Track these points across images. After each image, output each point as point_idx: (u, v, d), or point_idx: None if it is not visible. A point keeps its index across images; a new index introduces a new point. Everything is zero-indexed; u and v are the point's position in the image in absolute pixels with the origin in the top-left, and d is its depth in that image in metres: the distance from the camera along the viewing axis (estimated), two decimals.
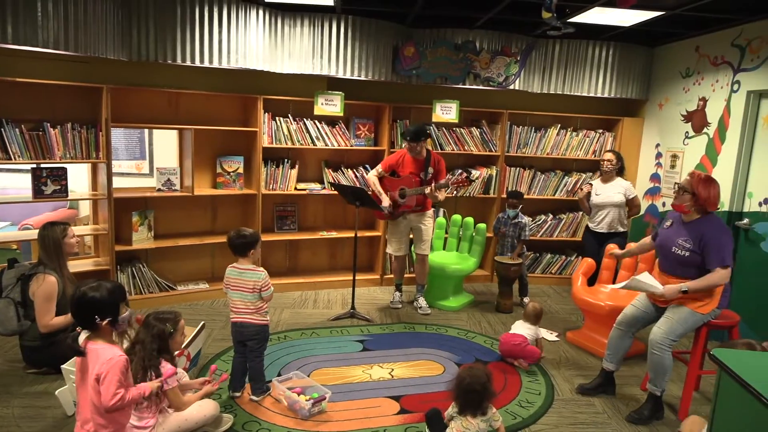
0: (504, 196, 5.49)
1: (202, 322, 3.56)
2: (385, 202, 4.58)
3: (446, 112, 5.24)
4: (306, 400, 3.02)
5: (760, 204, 4.26)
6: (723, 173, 4.52)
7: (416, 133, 4.49)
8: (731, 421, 1.28)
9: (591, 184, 4.87)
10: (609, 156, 4.76)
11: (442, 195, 4.64)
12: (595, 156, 5.76)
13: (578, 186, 5.63)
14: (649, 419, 3.16)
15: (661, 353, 3.08)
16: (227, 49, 4.43)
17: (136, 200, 4.64)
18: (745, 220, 4.34)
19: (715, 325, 3.20)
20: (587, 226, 4.97)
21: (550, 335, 4.36)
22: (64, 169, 4.17)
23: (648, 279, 3.19)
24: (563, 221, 5.82)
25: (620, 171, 4.80)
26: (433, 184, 4.53)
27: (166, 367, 2.71)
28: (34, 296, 3.26)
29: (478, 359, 3.89)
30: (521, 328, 3.89)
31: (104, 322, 2.12)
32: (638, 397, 3.43)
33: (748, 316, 4.14)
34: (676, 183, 3.35)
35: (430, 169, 4.59)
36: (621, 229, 4.76)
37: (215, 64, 4.41)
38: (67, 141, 4.10)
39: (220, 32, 4.36)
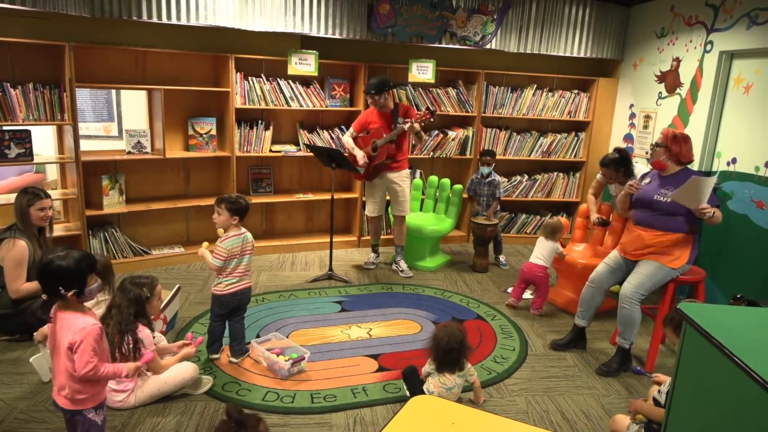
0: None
1: (178, 285, 3.54)
2: (359, 155, 4.53)
3: (422, 71, 5.18)
4: (285, 361, 3.06)
5: (728, 163, 4.35)
6: (694, 133, 4.56)
7: (379, 86, 4.42)
8: (695, 370, 1.35)
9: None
10: (599, 176, 4.21)
11: (416, 136, 4.51)
12: (570, 117, 5.78)
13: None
14: (617, 371, 3.29)
15: (630, 307, 3.19)
16: (195, 6, 4.25)
17: (106, 163, 4.52)
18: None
19: (682, 280, 3.30)
20: None
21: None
22: (28, 132, 4.02)
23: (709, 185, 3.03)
24: (538, 182, 5.88)
25: (627, 173, 3.96)
26: (398, 125, 4.46)
27: (143, 331, 2.71)
28: (3, 261, 3.19)
29: (455, 318, 3.97)
30: (542, 250, 4.16)
31: (70, 293, 2.02)
32: (608, 351, 3.55)
33: (714, 273, 4.29)
34: (651, 143, 3.41)
35: (400, 119, 4.54)
36: None
37: (183, 21, 4.24)
38: (30, 102, 3.93)
39: None
